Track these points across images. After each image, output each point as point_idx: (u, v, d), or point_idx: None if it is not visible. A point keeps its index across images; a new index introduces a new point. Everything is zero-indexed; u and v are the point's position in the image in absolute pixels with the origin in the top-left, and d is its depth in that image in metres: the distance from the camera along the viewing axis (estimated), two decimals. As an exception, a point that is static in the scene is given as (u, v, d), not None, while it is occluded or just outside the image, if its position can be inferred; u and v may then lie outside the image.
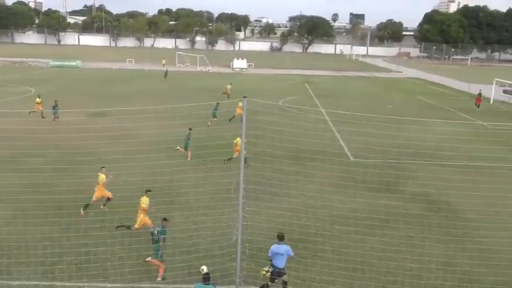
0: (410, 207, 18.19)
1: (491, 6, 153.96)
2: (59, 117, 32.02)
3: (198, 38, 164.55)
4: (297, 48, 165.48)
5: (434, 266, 13.66)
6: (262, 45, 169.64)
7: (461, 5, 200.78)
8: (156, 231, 12.97)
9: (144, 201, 14.91)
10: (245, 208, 12.20)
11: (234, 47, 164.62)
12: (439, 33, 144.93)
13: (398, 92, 59.03)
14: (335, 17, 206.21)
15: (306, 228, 15.80)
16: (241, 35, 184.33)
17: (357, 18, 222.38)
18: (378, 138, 27.51)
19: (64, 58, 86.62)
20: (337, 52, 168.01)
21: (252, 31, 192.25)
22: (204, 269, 10.97)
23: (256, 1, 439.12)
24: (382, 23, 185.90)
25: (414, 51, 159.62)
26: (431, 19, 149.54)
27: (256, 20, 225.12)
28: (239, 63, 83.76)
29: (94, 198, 16.76)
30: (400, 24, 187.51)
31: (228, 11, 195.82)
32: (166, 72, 63.86)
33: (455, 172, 23.17)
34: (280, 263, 12.02)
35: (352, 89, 60.65)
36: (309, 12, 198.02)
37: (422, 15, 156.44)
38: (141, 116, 29.14)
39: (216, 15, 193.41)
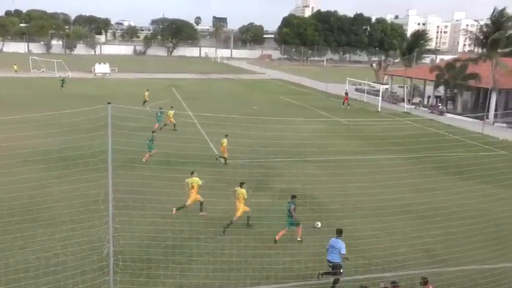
0: (279, 203, 19.00)
1: (341, 12, 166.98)
2: None
3: (54, 42, 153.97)
4: (161, 52, 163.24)
5: (304, 258, 14.40)
6: (126, 49, 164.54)
7: (314, 10, 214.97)
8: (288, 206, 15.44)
9: (242, 192, 16.64)
10: (116, 219, 11.75)
11: (95, 51, 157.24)
12: (296, 36, 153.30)
13: (262, 92, 61.25)
14: (198, 20, 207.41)
15: (181, 234, 15.69)
16: (102, 38, 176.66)
17: (219, 22, 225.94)
18: (245, 139, 28.29)
19: None
20: (202, 55, 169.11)
21: (114, 34, 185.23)
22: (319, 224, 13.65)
23: (117, 4, 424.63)
24: (244, 26, 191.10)
25: (275, 54, 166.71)
26: (289, 23, 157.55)
27: (117, 23, 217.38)
28: (101, 68, 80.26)
29: (190, 202, 17.67)
30: (261, 27, 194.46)
31: (86, 13, 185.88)
32: (63, 81, 56.65)
33: (318, 167, 24.71)
34: (333, 257, 12.65)
35: (218, 91, 61.56)
36: (171, 15, 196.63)
37: (281, 19, 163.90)
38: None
39: (73, 17, 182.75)
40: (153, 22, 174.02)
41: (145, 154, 24.76)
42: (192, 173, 18.13)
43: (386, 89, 60.51)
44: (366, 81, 59.27)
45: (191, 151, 25.24)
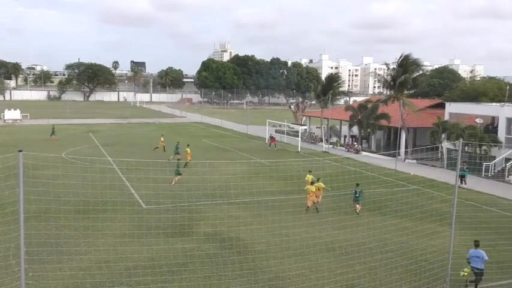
0: (205, 247, 18.65)
1: (258, 56, 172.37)
2: None
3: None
4: (78, 97, 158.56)
5: None
6: (39, 94, 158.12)
7: (232, 55, 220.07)
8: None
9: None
10: (29, 274, 10.91)
11: (4, 96, 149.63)
12: (216, 79, 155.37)
13: (183, 136, 60.89)
14: (116, 64, 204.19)
15: (101, 285, 14.86)
16: (12, 83, 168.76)
17: (138, 66, 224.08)
18: (168, 183, 27.81)
19: None
20: (121, 99, 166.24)
21: (25, 79, 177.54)
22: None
23: (28, 48, 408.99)
24: (163, 70, 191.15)
25: (196, 97, 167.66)
26: (208, 67, 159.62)
27: (29, 68, 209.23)
28: (11, 114, 76.23)
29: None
30: (180, 71, 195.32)
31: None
32: (53, 129, 54.20)
33: (242, 208, 24.68)
34: (478, 264, 15.27)
35: (138, 135, 60.48)
36: (87, 59, 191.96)
37: (200, 63, 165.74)
38: None
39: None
40: (68, 67, 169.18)
41: (174, 178, 28.98)
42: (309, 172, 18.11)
43: (305, 129, 62.52)
44: (285, 123, 60.89)
45: (111, 198, 24.36)
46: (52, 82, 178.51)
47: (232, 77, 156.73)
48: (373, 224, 22.32)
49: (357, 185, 25.30)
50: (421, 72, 51.31)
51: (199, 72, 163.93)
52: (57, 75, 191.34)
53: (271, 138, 51.84)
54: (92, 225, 20.27)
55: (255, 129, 63.97)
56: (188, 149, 37.87)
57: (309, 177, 27.00)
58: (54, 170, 29.02)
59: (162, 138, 45.98)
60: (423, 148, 44.08)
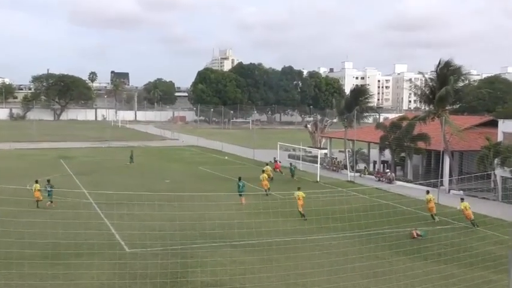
0: (202, 301, 18.53)
1: (266, 65, 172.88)
2: None
3: None
4: (46, 115, 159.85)
5: None
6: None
7: (235, 63, 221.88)
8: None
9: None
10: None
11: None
12: (215, 93, 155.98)
13: (175, 163, 61.08)
14: (93, 76, 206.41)
15: None
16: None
17: (119, 78, 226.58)
18: (156, 221, 27.77)
19: None
20: (99, 118, 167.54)
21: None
22: None
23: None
24: (150, 82, 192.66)
25: (190, 115, 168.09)
26: (205, 78, 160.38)
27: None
28: (-34, 137, 77.03)
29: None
30: (171, 84, 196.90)
31: None
32: (131, 155, 59.29)
33: (248, 252, 24.54)
34: None
35: (120, 162, 60.65)
36: (58, 70, 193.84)
37: (196, 74, 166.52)
38: None
39: None
40: (35, 79, 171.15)
41: (241, 198, 34.43)
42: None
43: (325, 154, 62.48)
44: (300, 146, 60.98)
45: (87, 239, 24.34)
46: (15, 98, 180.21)
47: (234, 90, 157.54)
48: (412, 271, 22.10)
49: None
50: (466, 82, 51.32)
51: (194, 84, 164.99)
52: (22, 89, 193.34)
53: (275, 162, 51.83)
54: (63, 274, 20.21)
55: (263, 154, 63.98)
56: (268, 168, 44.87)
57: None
58: (16, 205, 29.03)
59: None
60: (472, 176, 43.84)
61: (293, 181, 47.34)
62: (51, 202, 33.63)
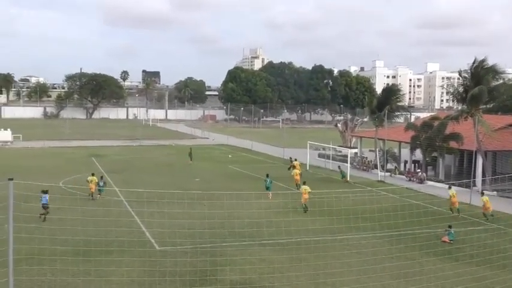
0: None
1: (296, 64, 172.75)
2: None
3: None
4: (79, 114, 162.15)
5: None
6: (33, 111, 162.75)
7: (265, 62, 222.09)
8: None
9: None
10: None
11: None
12: (245, 92, 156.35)
13: (205, 161, 61.37)
14: (125, 75, 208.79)
15: None
16: (2, 98, 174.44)
17: (151, 77, 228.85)
18: (186, 219, 27.96)
19: None
20: (130, 117, 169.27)
21: (18, 93, 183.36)
22: None
23: (22, 57, 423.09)
24: (181, 81, 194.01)
25: (220, 114, 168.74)
26: (236, 77, 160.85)
27: (22, 80, 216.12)
28: (0, 135, 78.61)
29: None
30: (202, 82, 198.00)
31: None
32: (190, 153, 60.20)
33: (277, 251, 24.55)
34: None
35: (151, 161, 61.23)
36: (91, 69, 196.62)
37: (226, 73, 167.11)
38: None
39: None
40: (68, 78, 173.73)
41: (268, 193, 37.12)
42: None
43: (356, 153, 62.09)
44: (330, 145, 60.72)
45: (117, 237, 24.63)
46: (49, 96, 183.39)
47: (265, 89, 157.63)
48: (442, 273, 21.85)
49: (449, 227, 28.15)
50: (501, 81, 50.46)
51: (224, 83, 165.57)
52: (56, 88, 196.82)
53: (291, 160, 51.46)
54: (94, 270, 20.50)
55: (293, 153, 63.83)
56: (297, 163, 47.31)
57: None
58: (49, 202, 29.60)
59: None
60: (506, 177, 43.07)
61: (307, 180, 47.20)
62: (100, 195, 36.40)
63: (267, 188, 38.19)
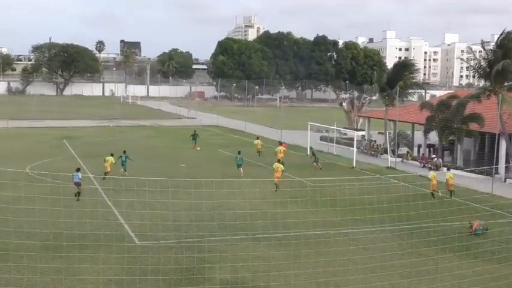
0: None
1: (297, 34, 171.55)
2: None
3: None
4: (48, 90, 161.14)
5: None
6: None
7: (261, 31, 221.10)
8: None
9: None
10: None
11: None
12: (238, 66, 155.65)
13: (192, 145, 61.30)
14: (100, 45, 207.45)
15: None
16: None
17: (130, 48, 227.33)
18: (170, 210, 27.98)
19: None
20: (107, 93, 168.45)
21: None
22: None
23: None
24: (164, 53, 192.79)
25: (210, 90, 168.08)
26: (227, 49, 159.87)
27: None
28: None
29: None
30: (188, 55, 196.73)
31: None
32: (194, 135, 60.24)
33: (273, 246, 24.62)
34: None
35: (130, 143, 60.93)
36: (61, 39, 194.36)
37: (216, 44, 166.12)
38: None
39: None
40: (35, 49, 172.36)
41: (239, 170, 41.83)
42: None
43: (363, 136, 62.07)
44: (334, 127, 60.71)
45: (92, 230, 24.63)
46: (14, 70, 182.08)
47: (260, 63, 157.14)
48: (459, 271, 21.98)
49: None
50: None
51: (214, 56, 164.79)
52: (21, 60, 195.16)
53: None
54: (65, 268, 20.54)
55: (292, 136, 63.94)
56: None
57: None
58: (14, 190, 29.48)
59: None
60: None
61: (308, 166, 47.10)
62: (125, 171, 40.72)
63: (239, 166, 42.85)
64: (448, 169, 39.75)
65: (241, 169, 42.51)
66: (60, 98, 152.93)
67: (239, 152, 44.37)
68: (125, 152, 42.27)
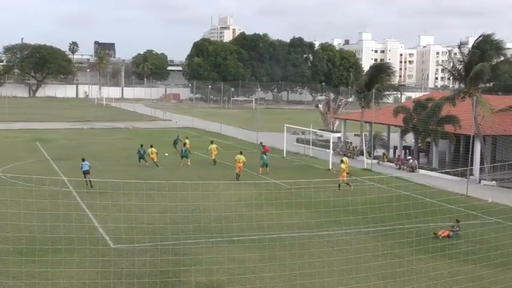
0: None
1: (273, 36, 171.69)
2: None
3: None
4: (20, 92, 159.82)
5: None
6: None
7: (237, 33, 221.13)
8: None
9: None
10: None
11: None
12: (213, 68, 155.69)
13: (167, 147, 61.08)
14: (74, 47, 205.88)
15: None
16: None
17: (104, 49, 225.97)
18: (145, 213, 27.93)
19: None
20: (81, 95, 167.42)
21: None
22: None
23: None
24: (139, 54, 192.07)
25: (185, 92, 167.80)
26: (203, 50, 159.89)
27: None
28: None
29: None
30: (163, 56, 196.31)
31: None
32: (176, 140, 59.10)
33: (249, 249, 24.68)
34: None
35: (104, 146, 60.79)
36: (34, 40, 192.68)
37: (191, 46, 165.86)
38: None
39: None
40: (7, 50, 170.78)
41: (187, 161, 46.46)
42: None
43: (339, 138, 62.40)
44: (310, 129, 60.97)
45: (66, 233, 24.49)
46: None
47: (236, 65, 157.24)
48: (434, 272, 22.23)
49: (457, 221, 28.68)
50: (502, 58, 50.92)
51: (189, 57, 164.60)
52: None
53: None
54: (39, 272, 20.40)
55: (268, 138, 63.99)
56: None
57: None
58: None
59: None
60: (505, 165, 43.79)
61: (284, 168, 47.35)
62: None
63: (185, 157, 47.81)
64: (341, 162, 40.91)
65: (188, 159, 48.01)
66: (33, 99, 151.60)
67: (185, 144, 50.36)
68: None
